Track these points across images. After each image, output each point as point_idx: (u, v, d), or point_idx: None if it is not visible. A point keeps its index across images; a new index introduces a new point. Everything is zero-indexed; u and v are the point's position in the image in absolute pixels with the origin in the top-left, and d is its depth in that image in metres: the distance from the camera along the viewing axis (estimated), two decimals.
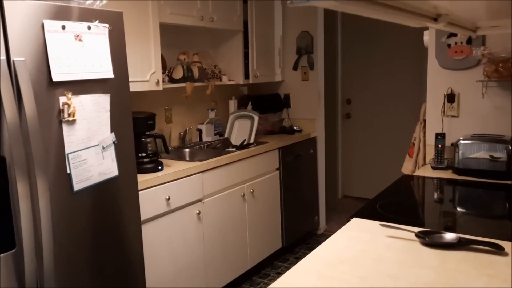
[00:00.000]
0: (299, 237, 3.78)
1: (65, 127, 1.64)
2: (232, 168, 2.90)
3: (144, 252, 2.10)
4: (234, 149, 3.14)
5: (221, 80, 3.38)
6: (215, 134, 3.48)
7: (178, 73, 3.00)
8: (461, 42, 2.35)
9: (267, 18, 3.69)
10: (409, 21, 0.94)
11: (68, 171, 1.66)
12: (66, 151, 1.65)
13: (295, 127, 3.79)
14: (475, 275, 1.14)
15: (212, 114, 3.51)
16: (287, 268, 3.34)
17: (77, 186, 1.70)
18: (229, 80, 3.45)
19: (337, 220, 4.27)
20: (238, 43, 3.44)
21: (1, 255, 1.46)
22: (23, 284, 1.50)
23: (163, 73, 2.86)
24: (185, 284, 2.57)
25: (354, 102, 4.88)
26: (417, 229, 1.41)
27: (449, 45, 2.39)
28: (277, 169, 3.39)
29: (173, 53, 3.13)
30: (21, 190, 1.45)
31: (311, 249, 3.70)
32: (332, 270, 1.20)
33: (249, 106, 3.67)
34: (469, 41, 2.33)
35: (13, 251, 1.49)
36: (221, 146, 3.30)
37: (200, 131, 3.42)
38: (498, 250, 1.27)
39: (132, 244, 1.98)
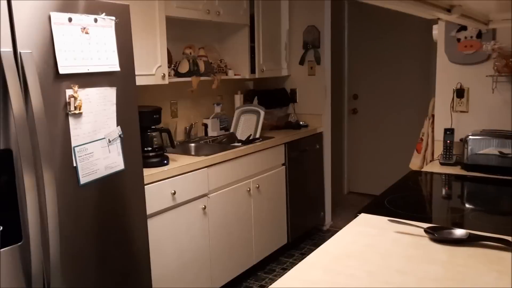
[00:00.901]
0: (305, 232, 3.77)
1: (71, 120, 1.64)
2: (237, 163, 2.89)
3: (150, 246, 2.09)
4: (239, 144, 3.13)
5: (227, 75, 3.37)
6: (221, 129, 3.47)
7: (184, 67, 2.98)
8: (471, 36, 2.32)
9: (274, 12, 3.67)
10: (422, 12, 0.93)
11: (75, 164, 1.66)
12: (73, 144, 1.65)
13: (301, 122, 3.78)
14: (484, 271, 1.13)
15: (217, 109, 3.50)
16: (292, 264, 3.33)
17: (83, 180, 1.69)
18: (235, 75, 3.44)
19: (342, 216, 4.26)
20: (244, 37, 3.42)
21: (8, 247, 1.46)
22: (30, 276, 1.51)
23: (169, 67, 2.85)
24: (190, 278, 2.57)
25: (360, 98, 4.85)
26: (425, 225, 1.40)
27: (458, 40, 2.36)
28: (283, 164, 3.38)
29: (179, 47, 3.11)
30: (28, 182, 1.45)
31: (316, 245, 3.69)
32: (339, 265, 1.18)
33: (255, 101, 3.65)
34: (479, 35, 2.30)
35: (19, 243, 1.49)
36: (226, 141, 3.29)
37: (205, 125, 3.41)
38: (508, 246, 1.25)
39: (138, 238, 1.98)
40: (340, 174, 4.98)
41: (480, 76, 2.34)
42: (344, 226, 1.48)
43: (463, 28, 2.33)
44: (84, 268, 1.74)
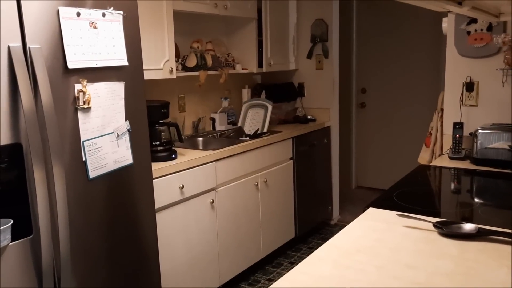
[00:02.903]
0: (312, 227, 3.77)
1: (80, 115, 1.64)
2: (245, 157, 2.89)
3: (159, 240, 2.11)
4: (247, 138, 3.13)
5: (234, 69, 3.36)
6: (228, 123, 3.47)
7: (192, 61, 2.98)
8: (481, 29, 2.29)
9: (282, 6, 3.65)
10: (432, 5, 0.91)
11: (84, 159, 1.67)
12: (82, 139, 1.66)
13: (309, 117, 3.76)
14: (494, 266, 1.12)
15: (225, 103, 3.50)
16: (300, 258, 3.34)
17: (92, 174, 1.70)
18: (242, 69, 3.43)
19: (350, 211, 4.25)
20: (252, 31, 3.41)
21: (19, 241, 1.48)
22: (40, 269, 1.52)
23: (176, 61, 2.85)
24: (199, 272, 2.59)
25: (369, 91, 4.82)
26: (434, 220, 1.39)
27: (468, 32, 2.33)
28: (291, 158, 3.38)
29: (187, 41, 3.11)
30: (38, 176, 1.46)
31: (324, 239, 3.69)
32: (348, 259, 1.18)
33: (263, 95, 3.65)
34: (490, 28, 2.27)
35: (30, 237, 1.51)
36: (234, 135, 3.29)
37: (213, 120, 3.41)
38: None
39: (147, 231, 1.99)
40: (348, 168, 4.97)
41: (490, 70, 2.31)
42: (352, 220, 1.48)
43: (473, 21, 2.30)
44: (93, 261, 1.75)
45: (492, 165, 2.13)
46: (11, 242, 1.45)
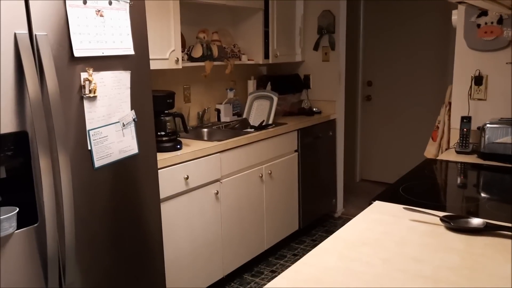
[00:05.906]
0: (316, 219, 3.76)
1: (86, 104, 1.64)
2: (250, 149, 2.89)
3: (163, 230, 2.11)
4: (252, 129, 3.12)
5: (240, 60, 3.35)
6: (234, 114, 3.46)
7: (198, 52, 2.97)
8: (492, 22, 2.26)
9: None
10: None
11: (89, 148, 1.67)
12: (87, 128, 1.65)
13: (314, 109, 3.75)
14: (501, 261, 1.11)
15: (230, 94, 3.49)
16: (303, 250, 3.34)
17: (98, 163, 1.70)
18: (248, 60, 3.41)
19: (354, 203, 4.24)
20: (259, 21, 3.38)
21: (24, 228, 1.48)
22: (45, 257, 1.53)
23: (182, 51, 2.84)
24: (202, 263, 2.60)
25: (375, 84, 4.79)
26: (441, 214, 1.38)
27: (478, 25, 2.30)
28: (296, 150, 3.37)
29: (193, 31, 3.09)
30: (43, 165, 1.46)
31: (328, 231, 3.69)
32: (354, 252, 1.18)
33: (268, 87, 3.63)
34: (500, 21, 2.24)
35: (35, 225, 1.51)
36: (239, 126, 3.28)
37: (218, 111, 3.40)
38: None
39: (151, 221, 2.00)
40: (353, 161, 4.95)
41: (500, 63, 2.29)
42: (356, 213, 1.48)
43: (483, 13, 2.27)
44: (98, 250, 1.76)
45: (499, 160, 2.11)
46: (16, 230, 1.46)
